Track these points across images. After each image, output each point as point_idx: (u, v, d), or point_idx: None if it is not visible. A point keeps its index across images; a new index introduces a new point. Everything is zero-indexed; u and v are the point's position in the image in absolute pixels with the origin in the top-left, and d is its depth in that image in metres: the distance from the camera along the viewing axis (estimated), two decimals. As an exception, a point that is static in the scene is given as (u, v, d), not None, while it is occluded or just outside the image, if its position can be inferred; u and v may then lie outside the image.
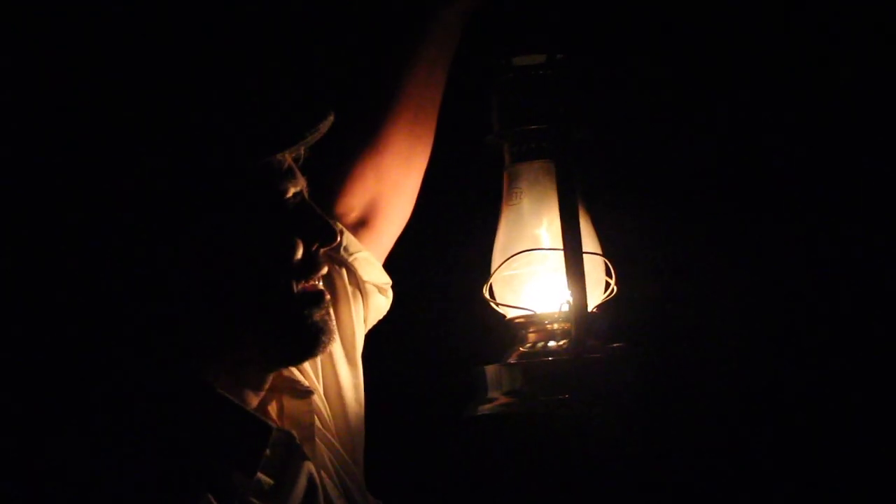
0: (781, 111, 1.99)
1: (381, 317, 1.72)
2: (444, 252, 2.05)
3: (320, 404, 1.55)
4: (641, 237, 1.91)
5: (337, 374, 1.59)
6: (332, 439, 1.53)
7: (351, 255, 1.65)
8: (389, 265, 1.73)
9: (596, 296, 1.58)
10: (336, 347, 1.60)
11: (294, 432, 1.43)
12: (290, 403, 1.48)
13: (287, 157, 1.40)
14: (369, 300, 1.67)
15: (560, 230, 1.50)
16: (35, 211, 1.35)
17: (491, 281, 1.62)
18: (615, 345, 1.52)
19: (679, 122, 2.01)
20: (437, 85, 1.74)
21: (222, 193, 1.35)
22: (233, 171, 1.35)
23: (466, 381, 1.59)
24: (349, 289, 1.64)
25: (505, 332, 1.63)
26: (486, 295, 1.62)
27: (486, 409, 1.53)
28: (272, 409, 1.47)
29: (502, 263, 1.59)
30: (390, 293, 1.71)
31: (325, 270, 1.44)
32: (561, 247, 1.50)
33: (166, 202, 1.33)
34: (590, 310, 1.53)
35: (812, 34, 1.97)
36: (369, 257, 1.67)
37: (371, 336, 1.69)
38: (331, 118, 1.42)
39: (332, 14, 2.03)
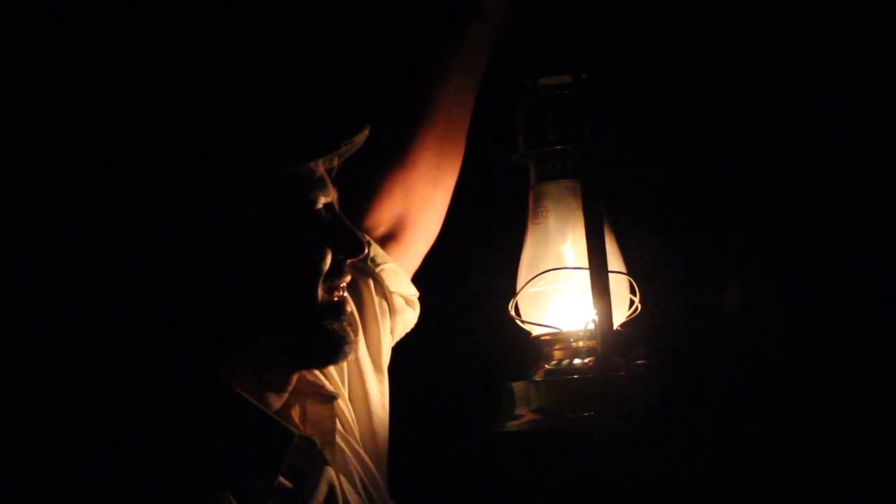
0: (810, 125, 1.98)
1: (408, 329, 1.73)
2: (470, 269, 2.06)
3: (345, 409, 1.56)
4: (665, 255, 1.91)
5: (364, 381, 1.61)
6: (356, 445, 1.55)
7: (378, 266, 1.67)
8: (416, 281, 1.74)
9: (620, 314, 1.60)
10: (363, 355, 1.62)
11: (316, 437, 1.45)
12: (314, 408, 1.49)
13: (320, 168, 1.42)
14: (396, 311, 1.69)
15: (585, 248, 1.51)
16: (68, 214, 1.38)
17: (517, 298, 1.64)
18: (640, 362, 1.54)
19: (702, 139, 2.02)
20: (466, 104, 1.76)
21: (253, 198, 1.37)
22: (264, 177, 1.37)
23: (492, 398, 1.60)
24: (376, 299, 1.66)
25: (530, 348, 1.64)
26: (512, 312, 1.64)
27: (512, 425, 1.54)
28: (295, 413, 1.48)
29: (528, 281, 1.61)
30: (418, 305, 1.73)
31: (348, 279, 1.46)
32: (586, 265, 1.51)
33: (196, 203, 1.35)
34: (615, 327, 1.54)
35: (845, 48, 1.96)
36: (396, 269, 1.69)
37: (397, 351, 1.71)
38: (366, 131, 1.45)
39: (363, 31, 2.05)
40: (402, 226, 1.73)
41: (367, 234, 1.68)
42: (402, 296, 1.70)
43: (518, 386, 1.57)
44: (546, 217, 1.63)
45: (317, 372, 1.53)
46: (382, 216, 1.72)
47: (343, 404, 1.56)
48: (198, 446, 1.34)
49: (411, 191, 1.73)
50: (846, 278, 1.95)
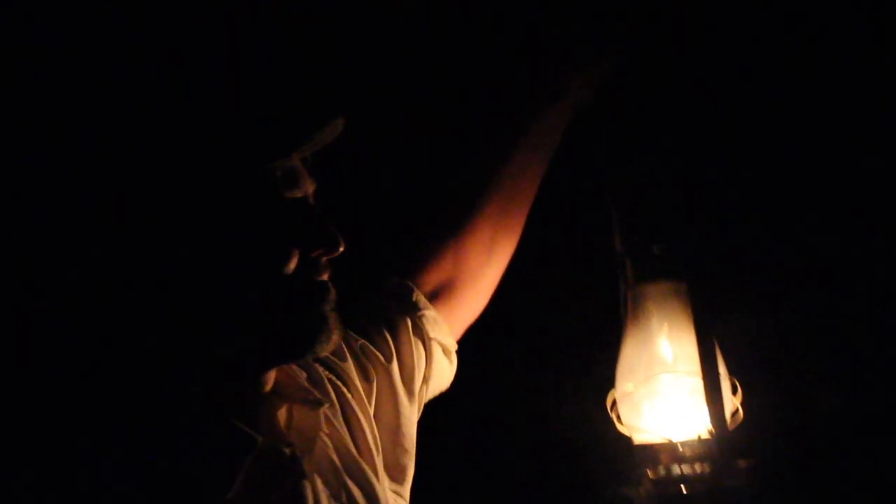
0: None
1: (444, 385, 1.70)
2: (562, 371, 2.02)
3: (364, 424, 1.52)
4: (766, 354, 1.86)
5: (396, 402, 1.58)
6: (357, 457, 1.49)
7: (419, 311, 1.65)
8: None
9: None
10: (395, 376, 1.59)
11: (296, 444, 1.40)
12: (300, 413, 1.44)
13: (293, 159, 1.38)
14: (433, 357, 1.66)
15: (687, 351, 1.49)
16: (33, 214, 1.34)
17: (616, 400, 1.59)
18: (752, 466, 1.49)
19: (795, 225, 1.96)
20: (530, 183, 1.73)
21: (215, 194, 1.33)
22: (231, 174, 1.34)
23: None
24: (412, 337, 1.63)
25: (625, 452, 1.59)
26: (614, 417, 1.59)
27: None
28: (281, 417, 1.43)
29: (637, 387, 1.56)
30: (454, 358, 1.70)
31: (326, 276, 1.40)
32: (691, 368, 1.48)
33: (156, 201, 1.32)
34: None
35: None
36: (438, 318, 1.67)
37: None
38: (338, 123, 1.40)
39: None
40: (448, 291, 1.70)
41: (416, 288, 1.66)
42: (440, 343, 1.67)
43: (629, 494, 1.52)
44: (648, 318, 1.58)
45: (336, 381, 1.51)
46: (430, 276, 1.69)
47: (363, 418, 1.52)
48: (151, 452, 1.29)
49: (462, 260, 1.70)
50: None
